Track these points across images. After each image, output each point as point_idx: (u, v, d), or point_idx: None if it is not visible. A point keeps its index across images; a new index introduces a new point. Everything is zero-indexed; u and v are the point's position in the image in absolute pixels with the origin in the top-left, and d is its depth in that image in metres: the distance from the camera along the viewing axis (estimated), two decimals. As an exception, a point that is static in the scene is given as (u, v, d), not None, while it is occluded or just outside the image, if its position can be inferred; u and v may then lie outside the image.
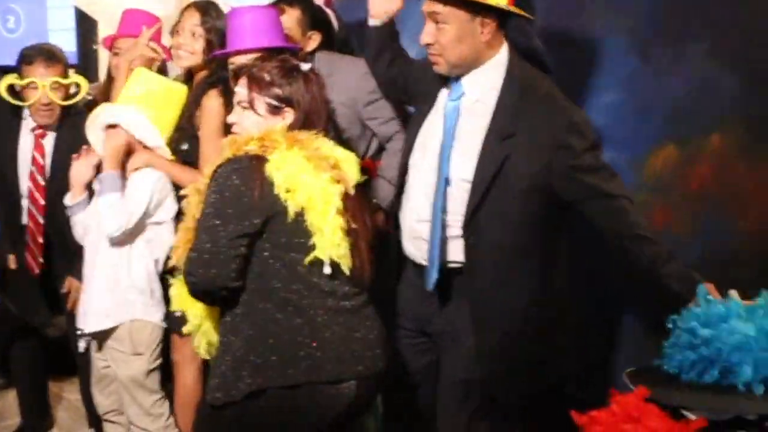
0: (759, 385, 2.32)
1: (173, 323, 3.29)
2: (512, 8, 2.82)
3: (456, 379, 2.98)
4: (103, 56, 4.52)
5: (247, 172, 2.52)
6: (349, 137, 3.40)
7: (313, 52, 3.56)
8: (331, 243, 2.54)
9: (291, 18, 3.52)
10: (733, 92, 3.52)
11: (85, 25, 4.55)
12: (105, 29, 4.45)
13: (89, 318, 3.31)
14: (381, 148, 3.61)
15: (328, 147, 2.66)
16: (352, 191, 2.66)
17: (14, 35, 4.71)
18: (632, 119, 3.69)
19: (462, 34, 2.77)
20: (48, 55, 3.71)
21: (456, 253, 2.92)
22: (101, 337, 3.36)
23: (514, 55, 2.93)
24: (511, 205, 2.85)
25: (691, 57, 3.55)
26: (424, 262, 2.93)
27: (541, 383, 3.11)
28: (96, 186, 3.31)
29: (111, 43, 3.93)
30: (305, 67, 2.74)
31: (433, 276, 2.90)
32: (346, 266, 2.59)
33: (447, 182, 2.87)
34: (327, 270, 2.55)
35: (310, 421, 2.55)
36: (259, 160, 2.54)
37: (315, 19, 3.60)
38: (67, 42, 4.44)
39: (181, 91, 3.41)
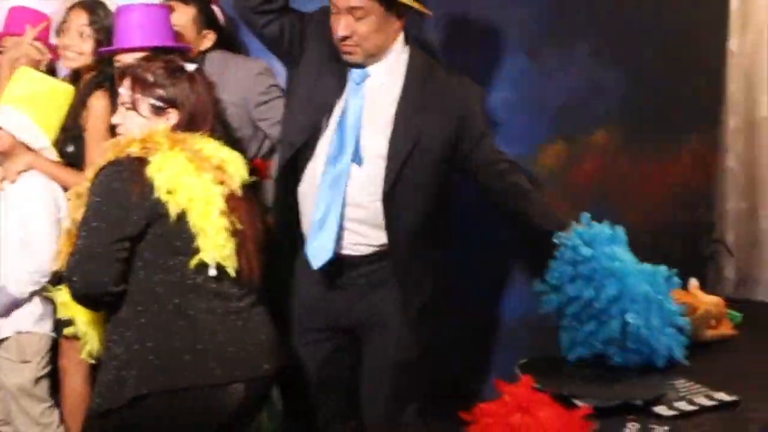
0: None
1: (60, 328, 3.22)
2: (421, 7, 2.91)
3: (389, 364, 3.00)
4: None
5: (127, 175, 2.48)
6: (241, 137, 3.37)
7: (206, 51, 3.52)
8: (215, 245, 2.51)
9: (185, 16, 3.46)
10: (617, 91, 3.65)
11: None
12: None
13: None
14: (273, 149, 3.60)
15: (212, 147, 2.63)
16: (238, 192, 2.63)
17: None
18: (522, 116, 3.77)
19: (380, 26, 2.82)
20: None
21: (368, 238, 2.93)
22: None
23: (412, 42, 2.99)
24: (425, 177, 2.91)
25: (578, 56, 3.65)
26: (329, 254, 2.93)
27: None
28: None
29: None
30: (190, 67, 2.71)
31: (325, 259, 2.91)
32: (232, 268, 2.56)
33: (359, 161, 2.87)
34: (212, 272, 2.52)
35: (198, 425, 2.51)
36: (140, 162, 2.49)
37: (210, 18, 3.56)
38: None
39: (66, 91, 3.33)
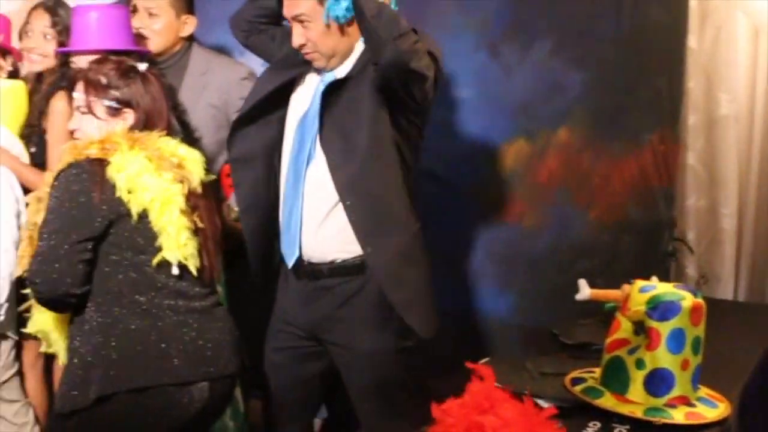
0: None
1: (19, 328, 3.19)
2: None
3: (363, 388, 2.99)
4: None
5: (87, 176, 2.47)
6: (219, 140, 3.33)
7: (189, 39, 3.45)
8: (177, 243, 2.52)
9: (162, 1, 3.41)
10: (578, 88, 3.65)
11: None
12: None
13: None
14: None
15: (171, 146, 2.63)
16: (198, 190, 2.64)
17: None
18: (484, 114, 3.76)
19: (328, 29, 2.81)
20: None
21: (335, 249, 2.91)
22: None
23: None
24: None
25: (538, 54, 3.65)
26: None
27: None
28: None
29: None
30: (142, 67, 2.71)
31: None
32: (194, 266, 2.57)
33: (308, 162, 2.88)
34: (175, 271, 2.53)
35: (162, 424, 2.51)
36: (99, 163, 2.49)
37: (189, 2, 3.49)
38: None
39: (17, 88, 3.29)
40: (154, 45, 3.36)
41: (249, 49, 3.23)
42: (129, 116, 2.63)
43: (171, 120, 2.75)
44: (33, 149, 3.29)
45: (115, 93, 2.62)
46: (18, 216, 3.17)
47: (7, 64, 3.47)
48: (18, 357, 3.34)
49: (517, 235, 3.77)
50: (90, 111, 2.62)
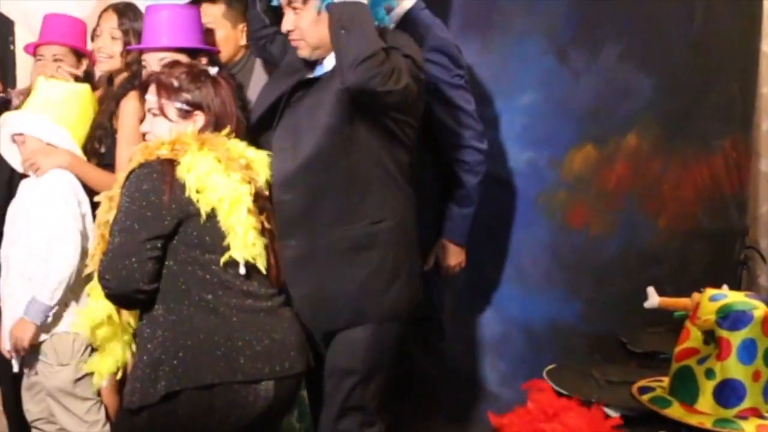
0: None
1: None
2: None
3: (327, 370, 2.98)
4: (21, 58, 4.43)
5: (158, 176, 2.53)
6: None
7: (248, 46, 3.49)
8: (244, 243, 2.56)
9: (216, 11, 3.45)
10: (647, 93, 3.59)
11: (1, 25, 4.45)
12: (22, 29, 4.35)
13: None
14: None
15: (239, 148, 2.69)
16: (264, 191, 2.69)
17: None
18: (550, 119, 3.73)
19: (319, 19, 2.84)
20: None
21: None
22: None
23: None
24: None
25: (606, 58, 3.60)
26: None
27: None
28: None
29: (34, 50, 3.84)
30: (213, 71, 2.77)
31: None
32: (262, 266, 2.61)
33: None
34: (242, 270, 2.57)
35: (228, 421, 2.55)
36: (169, 164, 2.55)
37: (243, 10, 3.51)
38: (-20, 42, 4.34)
39: (82, 91, 3.35)
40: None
41: (265, 62, 3.34)
42: (199, 118, 2.69)
43: (240, 122, 2.79)
44: (102, 149, 3.35)
45: (186, 96, 2.68)
46: (82, 218, 3.24)
47: (81, 67, 3.54)
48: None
49: (585, 242, 3.73)
50: (162, 113, 2.69)
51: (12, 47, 4.47)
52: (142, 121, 2.81)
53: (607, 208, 3.70)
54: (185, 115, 2.68)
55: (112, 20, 3.35)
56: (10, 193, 3.43)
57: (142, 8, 3.43)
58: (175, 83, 2.69)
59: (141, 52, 3.25)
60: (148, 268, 2.51)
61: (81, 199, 3.26)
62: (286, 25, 2.90)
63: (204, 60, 3.14)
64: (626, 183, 3.66)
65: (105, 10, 3.43)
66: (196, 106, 2.69)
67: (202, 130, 2.67)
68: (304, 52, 2.93)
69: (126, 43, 3.35)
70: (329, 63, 2.92)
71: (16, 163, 3.36)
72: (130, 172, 2.59)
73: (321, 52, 2.92)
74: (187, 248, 2.55)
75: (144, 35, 3.24)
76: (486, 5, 3.82)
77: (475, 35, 3.82)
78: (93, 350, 3.27)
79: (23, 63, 4.35)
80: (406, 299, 2.96)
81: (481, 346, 4.06)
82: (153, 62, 3.13)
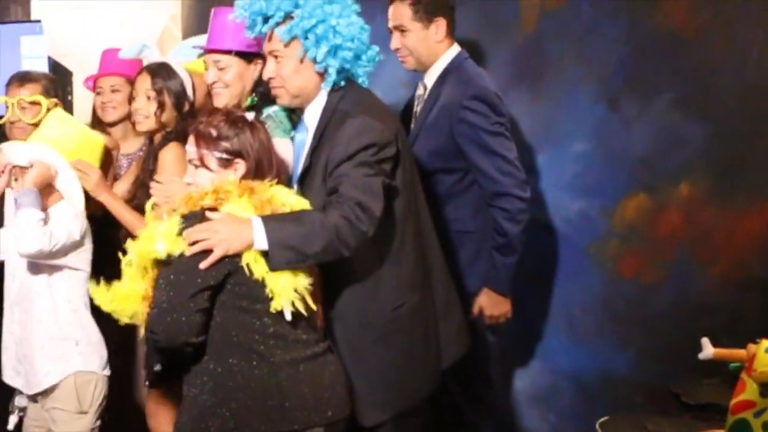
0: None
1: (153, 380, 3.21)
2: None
3: None
4: (79, 105, 4.53)
5: None
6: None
7: None
8: (287, 291, 2.52)
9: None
10: (699, 141, 3.57)
11: (60, 75, 4.55)
12: (79, 80, 4.45)
13: (30, 378, 3.12)
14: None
15: (282, 194, 2.68)
16: None
17: (-12, 86, 4.75)
18: (602, 167, 3.72)
19: (298, 70, 2.88)
20: (20, 76, 3.64)
21: None
22: (39, 396, 3.16)
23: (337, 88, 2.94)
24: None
25: (659, 106, 3.60)
26: None
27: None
28: (14, 203, 3.10)
29: (94, 84, 3.92)
30: (250, 116, 2.76)
31: None
32: (306, 314, 2.58)
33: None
34: (288, 317, 2.53)
35: None
36: (213, 213, 2.54)
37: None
38: (41, 92, 4.42)
39: (97, 141, 3.33)
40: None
41: None
42: (240, 166, 2.67)
43: (282, 166, 2.80)
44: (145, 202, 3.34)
45: (225, 144, 2.66)
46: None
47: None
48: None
49: (636, 292, 3.69)
50: (202, 164, 2.67)
51: (70, 97, 4.57)
52: (178, 170, 2.82)
53: (659, 258, 3.66)
54: (226, 164, 2.67)
55: (146, 81, 3.39)
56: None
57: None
58: (214, 133, 2.67)
59: (176, 112, 3.32)
60: (197, 320, 2.48)
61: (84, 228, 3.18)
62: (267, 73, 2.93)
63: (260, 63, 3.15)
64: (679, 232, 3.63)
65: (140, 71, 3.48)
66: (236, 154, 2.67)
67: (244, 177, 2.66)
68: (283, 101, 2.95)
69: (159, 102, 3.38)
70: (310, 117, 2.93)
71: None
72: None
73: (300, 101, 2.94)
74: (235, 299, 2.53)
75: (208, 37, 3.27)
76: (536, 54, 3.84)
77: (526, 84, 3.85)
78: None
79: (81, 113, 4.44)
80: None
81: (529, 397, 4.03)
82: (209, 64, 3.21)
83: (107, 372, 3.19)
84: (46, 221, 3.06)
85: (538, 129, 3.85)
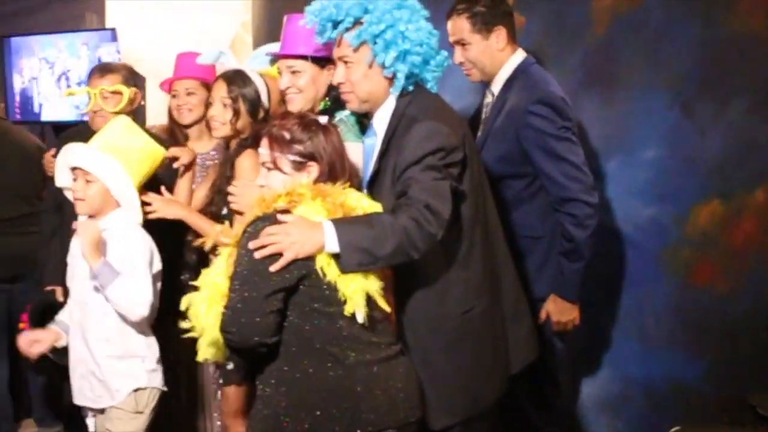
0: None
1: (226, 377, 3.31)
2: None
3: None
4: (152, 114, 4.61)
5: None
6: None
7: None
8: (360, 295, 2.53)
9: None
10: (777, 147, 3.50)
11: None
12: (151, 85, 4.52)
13: (99, 393, 3.19)
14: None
15: (354, 198, 2.69)
16: None
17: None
18: (675, 174, 3.67)
19: (367, 75, 2.88)
20: (101, 67, 3.78)
21: None
22: None
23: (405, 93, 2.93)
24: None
25: (733, 112, 3.53)
26: None
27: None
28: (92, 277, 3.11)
29: (169, 86, 3.98)
30: (323, 120, 2.78)
31: None
32: (379, 316, 2.60)
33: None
34: (360, 319, 2.54)
35: None
36: (286, 215, 2.55)
37: None
38: (115, 98, 4.52)
39: (159, 152, 3.32)
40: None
41: None
42: (313, 169, 2.68)
43: (354, 170, 2.81)
44: (224, 212, 3.37)
45: (298, 147, 2.68)
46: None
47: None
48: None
49: (710, 300, 3.63)
50: (275, 166, 2.69)
51: (143, 102, 4.64)
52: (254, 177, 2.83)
53: (734, 266, 3.60)
54: (299, 167, 2.68)
55: (222, 89, 3.42)
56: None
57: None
58: (287, 135, 2.69)
59: (251, 119, 3.35)
60: (271, 321, 2.50)
61: (154, 253, 3.22)
62: (336, 78, 2.94)
63: (332, 68, 3.15)
64: (754, 240, 3.56)
65: (216, 79, 3.52)
66: (309, 156, 2.68)
67: (317, 180, 2.68)
68: (353, 105, 2.97)
69: (235, 110, 3.41)
70: (379, 121, 2.93)
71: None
72: (248, 224, 2.58)
73: (369, 105, 2.95)
74: (308, 300, 2.54)
75: (281, 43, 3.30)
76: (607, 59, 3.80)
77: (597, 90, 3.81)
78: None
79: (153, 119, 4.52)
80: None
81: (598, 404, 3.99)
82: (283, 69, 3.24)
83: (164, 388, 3.27)
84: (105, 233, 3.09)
85: (610, 135, 3.81)
